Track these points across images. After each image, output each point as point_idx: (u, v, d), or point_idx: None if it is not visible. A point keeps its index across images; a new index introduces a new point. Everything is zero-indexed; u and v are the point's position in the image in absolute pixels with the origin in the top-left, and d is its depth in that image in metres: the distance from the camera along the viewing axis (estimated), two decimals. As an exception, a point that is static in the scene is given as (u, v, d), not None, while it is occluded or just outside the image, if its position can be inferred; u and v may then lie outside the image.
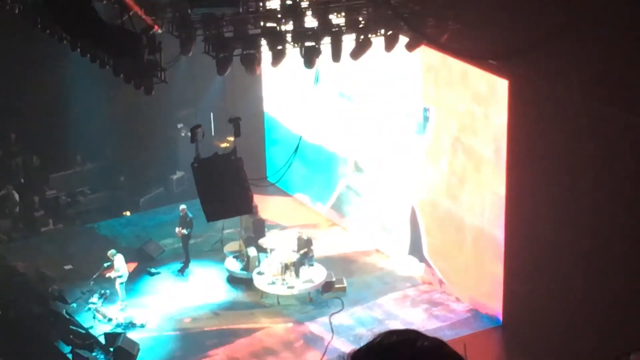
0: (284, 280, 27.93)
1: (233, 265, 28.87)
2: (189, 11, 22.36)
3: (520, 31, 23.10)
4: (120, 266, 27.37)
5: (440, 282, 28.03)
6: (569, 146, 22.72)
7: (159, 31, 22.91)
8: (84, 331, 26.47)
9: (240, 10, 22.34)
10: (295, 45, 23.34)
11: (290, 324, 27.08)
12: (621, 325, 21.14)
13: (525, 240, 24.62)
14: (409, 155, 28.20)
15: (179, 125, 31.44)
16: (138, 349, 25.59)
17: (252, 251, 28.56)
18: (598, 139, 22.01)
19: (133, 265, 28.60)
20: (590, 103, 21.98)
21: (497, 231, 25.62)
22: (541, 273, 23.92)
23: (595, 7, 21.09)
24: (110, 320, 27.02)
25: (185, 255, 29.26)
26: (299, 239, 28.65)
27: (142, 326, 26.89)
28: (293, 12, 23.37)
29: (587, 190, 22.46)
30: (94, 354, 25.68)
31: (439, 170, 27.40)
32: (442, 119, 27.00)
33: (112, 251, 27.69)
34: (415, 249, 28.64)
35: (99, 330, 26.54)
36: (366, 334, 24.14)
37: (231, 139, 25.81)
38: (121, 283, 27.44)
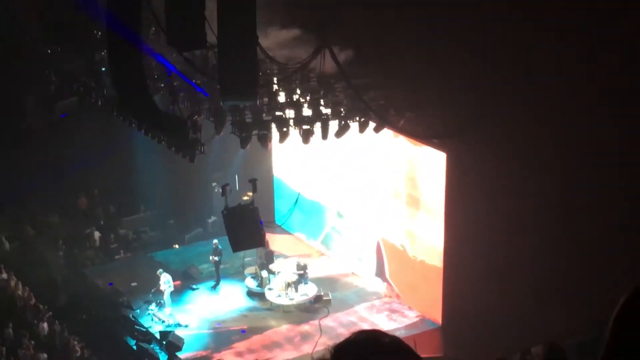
0: (287, 294, 27.80)
1: (251, 283, 28.74)
2: (221, 103, 22.37)
3: (453, 118, 23.17)
4: (166, 280, 27.35)
5: (398, 296, 27.92)
6: (492, 200, 22.68)
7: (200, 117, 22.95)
8: (144, 329, 26.35)
9: (257, 102, 22.36)
10: (296, 128, 23.34)
11: (291, 325, 26.91)
12: (527, 325, 20.98)
13: (457, 268, 24.58)
14: (376, 207, 28.18)
15: (213, 184, 31.37)
16: (183, 342, 25.45)
17: (264, 273, 28.46)
18: (515, 195, 22.00)
19: (179, 283, 28.50)
20: (509, 167, 21.97)
21: (438, 262, 25.56)
22: (467, 291, 23.83)
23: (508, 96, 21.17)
24: (163, 322, 26.89)
25: (216, 276, 29.13)
26: (298, 264, 28.56)
27: (186, 326, 26.73)
28: (294, 105, 23.40)
29: (502, 233, 22.42)
30: (152, 345, 25.54)
31: (398, 218, 27.37)
32: (400, 181, 27.00)
33: (160, 270, 27.77)
34: (380, 272, 28.54)
35: (156, 329, 26.40)
36: (344, 333, 23.93)
37: (250, 194, 25.74)
38: (169, 292, 27.36)
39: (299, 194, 29.75)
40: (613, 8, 18.44)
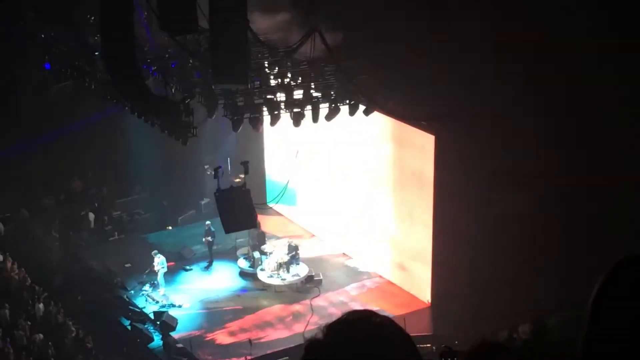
0: (278, 274, 27.86)
1: (243, 264, 28.79)
2: (213, 87, 22.35)
3: (442, 101, 23.21)
4: (160, 261, 27.38)
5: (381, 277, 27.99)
6: (480, 181, 22.82)
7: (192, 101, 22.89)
8: (139, 310, 26.40)
9: (249, 86, 22.33)
10: (287, 111, 23.33)
11: (283, 305, 26.97)
12: (515, 303, 21.10)
13: (446, 249, 24.68)
14: (366, 190, 28.17)
15: (206, 166, 31.37)
16: (176, 323, 25.51)
17: (256, 254, 28.51)
18: (502, 176, 22.16)
19: (172, 264, 28.53)
20: (496, 148, 22.13)
21: (427, 244, 25.62)
22: (456, 271, 23.97)
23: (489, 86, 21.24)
24: (157, 302, 26.93)
25: (209, 257, 29.17)
26: (289, 245, 28.59)
27: (180, 307, 26.79)
28: (285, 88, 23.38)
29: (490, 215, 22.56)
30: (145, 326, 25.59)
31: (388, 200, 27.39)
32: (391, 163, 27.01)
33: (155, 251, 27.82)
34: (368, 252, 28.58)
35: (150, 309, 26.44)
36: (336, 313, 24.04)
37: (242, 176, 25.74)
38: (162, 273, 27.39)
39: (288, 180, 29.78)
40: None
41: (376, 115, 25.08)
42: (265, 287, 27.84)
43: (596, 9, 18.80)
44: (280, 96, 23.30)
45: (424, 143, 24.97)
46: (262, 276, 28.02)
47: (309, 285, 27.76)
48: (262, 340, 25.16)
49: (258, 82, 23.11)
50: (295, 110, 23.26)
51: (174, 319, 25.62)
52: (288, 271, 27.92)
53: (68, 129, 30.18)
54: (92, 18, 24.83)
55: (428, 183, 25.05)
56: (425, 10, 21.43)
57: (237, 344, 25.03)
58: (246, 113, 22.99)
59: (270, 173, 32.46)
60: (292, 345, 24.06)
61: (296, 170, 30.27)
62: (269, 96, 23.24)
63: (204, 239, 29.06)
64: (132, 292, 27.37)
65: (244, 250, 29.17)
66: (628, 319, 2.49)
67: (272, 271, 27.98)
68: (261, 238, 29.17)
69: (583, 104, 19.86)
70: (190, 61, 23.35)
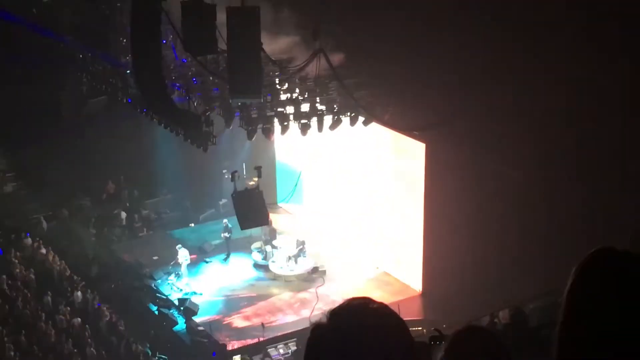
0: (288, 266, 27.83)
1: (257, 256, 28.74)
2: (230, 101, 22.34)
3: (432, 113, 23.18)
4: (183, 254, 27.36)
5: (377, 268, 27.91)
6: (465, 183, 22.76)
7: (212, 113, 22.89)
8: (165, 297, 26.37)
9: (262, 100, 22.33)
10: (295, 122, 23.33)
11: (292, 293, 26.92)
12: (497, 292, 20.99)
13: (435, 243, 24.63)
14: (366, 193, 28.14)
15: (224, 171, 31.26)
16: (198, 308, 25.48)
17: (268, 248, 28.49)
18: (486, 179, 22.09)
19: (194, 257, 28.50)
20: (480, 155, 22.04)
21: (418, 239, 25.58)
22: (444, 263, 23.92)
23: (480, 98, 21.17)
24: (181, 290, 26.90)
25: (227, 250, 29.13)
26: (297, 240, 28.56)
27: (201, 294, 26.74)
28: (294, 102, 23.39)
29: (475, 215, 22.49)
30: (171, 311, 25.56)
31: (385, 201, 27.34)
32: (386, 168, 26.96)
33: (179, 245, 27.80)
34: (367, 246, 28.53)
35: (174, 296, 26.40)
36: (338, 300, 23.95)
37: (255, 179, 25.72)
38: (185, 265, 27.35)
39: (300, 172, 29.76)
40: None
41: (374, 125, 25.07)
42: (276, 277, 27.81)
43: (585, 22, 18.34)
44: (289, 109, 23.32)
45: (415, 150, 24.95)
46: (274, 267, 27.99)
47: (315, 275, 27.72)
48: (273, 324, 25.11)
49: (270, 97, 23.14)
50: (302, 121, 23.28)
51: (196, 305, 25.60)
52: (296, 263, 27.90)
53: (102, 138, 30.15)
54: (124, 40, 24.86)
55: (419, 185, 25.02)
56: (416, 33, 21.39)
57: (251, 327, 24.99)
58: (259, 124, 23.01)
59: (280, 159, 32.37)
60: (299, 328, 24.03)
61: (305, 170, 30.25)
62: (279, 109, 23.27)
63: (222, 235, 29.03)
64: (159, 281, 27.35)
65: (258, 244, 29.12)
66: (601, 307, 2.46)
67: (282, 263, 27.92)
68: (272, 234, 29.16)
69: (571, 112, 19.59)
70: (210, 78, 23.42)
